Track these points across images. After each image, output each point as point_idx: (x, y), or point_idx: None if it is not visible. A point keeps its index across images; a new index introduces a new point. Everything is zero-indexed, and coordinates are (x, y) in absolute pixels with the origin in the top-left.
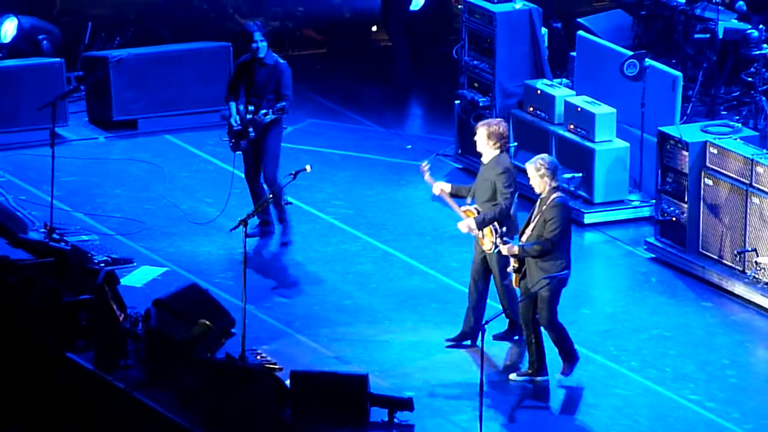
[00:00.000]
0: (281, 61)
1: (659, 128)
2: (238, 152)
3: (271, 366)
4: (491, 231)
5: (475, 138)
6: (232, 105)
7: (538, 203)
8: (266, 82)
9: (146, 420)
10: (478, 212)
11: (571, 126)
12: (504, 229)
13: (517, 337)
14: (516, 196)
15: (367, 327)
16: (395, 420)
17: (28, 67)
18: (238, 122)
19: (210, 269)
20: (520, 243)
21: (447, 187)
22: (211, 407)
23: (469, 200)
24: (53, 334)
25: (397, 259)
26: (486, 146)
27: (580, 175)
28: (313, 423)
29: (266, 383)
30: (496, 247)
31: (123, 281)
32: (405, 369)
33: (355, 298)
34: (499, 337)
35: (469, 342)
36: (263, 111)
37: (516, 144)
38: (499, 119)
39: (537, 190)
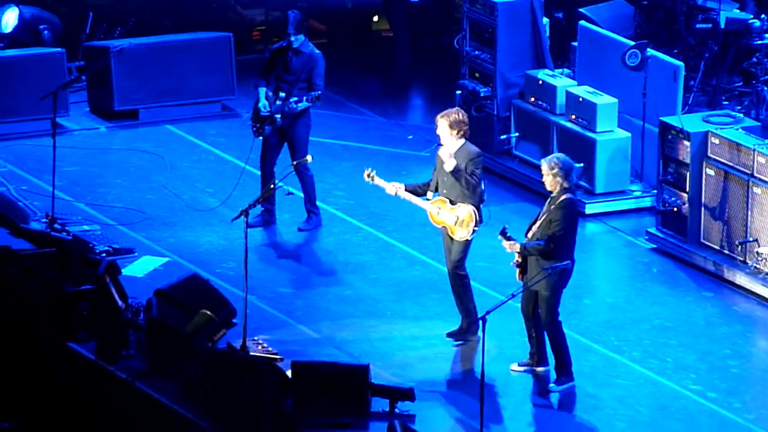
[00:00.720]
0: (317, 51)
1: (661, 118)
2: (258, 138)
3: (273, 356)
4: (471, 216)
5: (437, 131)
6: (261, 90)
7: (547, 202)
8: (300, 70)
9: (148, 410)
10: (451, 201)
11: (573, 116)
12: (480, 216)
13: (474, 337)
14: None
15: (369, 317)
16: (396, 410)
17: (29, 57)
18: (267, 108)
19: (211, 259)
20: (524, 241)
21: (401, 186)
22: (212, 397)
23: (430, 195)
24: (54, 325)
25: (399, 249)
26: (449, 136)
27: (582, 165)
28: (314, 413)
29: (267, 373)
30: (473, 232)
31: (124, 271)
32: (406, 359)
33: (357, 289)
34: (452, 335)
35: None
36: (294, 98)
37: (517, 134)
38: (456, 108)
39: (548, 188)
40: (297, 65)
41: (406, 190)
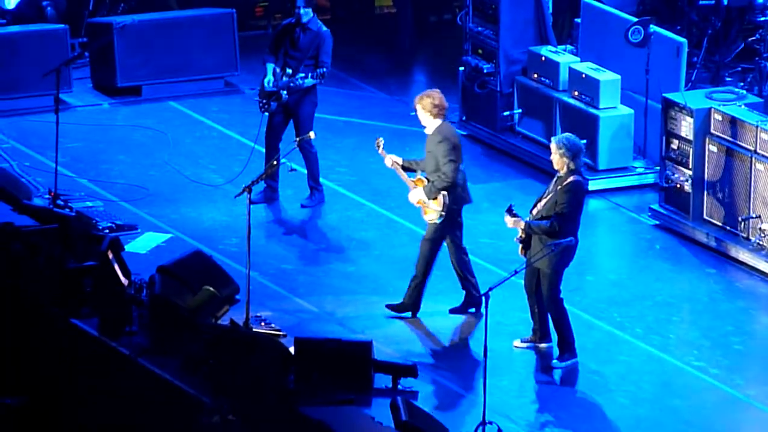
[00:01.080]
0: (324, 28)
1: (664, 95)
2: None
3: (275, 333)
4: (440, 200)
5: (417, 114)
6: (269, 66)
7: (554, 181)
8: (307, 47)
9: (151, 386)
10: (428, 180)
11: (576, 93)
12: (449, 197)
13: (473, 310)
14: (460, 165)
15: (372, 294)
16: (399, 386)
17: (33, 34)
18: (272, 84)
19: (214, 236)
20: (527, 219)
21: (399, 160)
22: (215, 374)
23: (419, 173)
24: (58, 301)
25: (401, 226)
26: (426, 118)
27: (585, 141)
28: (316, 389)
29: (270, 350)
30: (440, 216)
31: (127, 248)
32: (409, 336)
33: (359, 265)
34: (391, 307)
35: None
36: (301, 74)
37: (520, 111)
38: (434, 89)
39: (555, 167)
40: (305, 42)
41: (402, 165)
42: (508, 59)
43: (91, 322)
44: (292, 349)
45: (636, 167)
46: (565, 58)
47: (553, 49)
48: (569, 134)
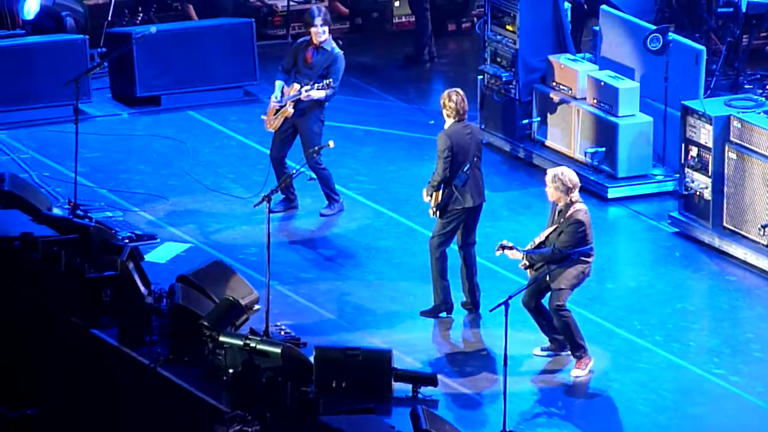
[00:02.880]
0: (338, 51)
1: (683, 102)
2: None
3: (295, 341)
4: (436, 197)
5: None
6: (279, 84)
7: (555, 212)
8: (319, 65)
9: (170, 396)
10: None
11: (594, 100)
12: (442, 196)
13: (444, 315)
14: (465, 167)
15: (391, 302)
16: (419, 395)
17: (52, 44)
18: (279, 99)
19: (234, 245)
20: (525, 249)
21: None
22: (234, 383)
23: None
24: (77, 311)
25: (421, 234)
26: (444, 115)
27: (604, 149)
28: (336, 398)
29: (290, 359)
30: (433, 211)
31: (147, 257)
32: (429, 344)
33: (379, 274)
34: (425, 313)
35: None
36: (306, 87)
37: (539, 119)
38: (455, 89)
39: (550, 198)
40: (317, 61)
41: None
42: (526, 67)
43: (110, 331)
44: (312, 358)
45: (655, 175)
46: (583, 66)
47: (572, 57)
48: (565, 169)
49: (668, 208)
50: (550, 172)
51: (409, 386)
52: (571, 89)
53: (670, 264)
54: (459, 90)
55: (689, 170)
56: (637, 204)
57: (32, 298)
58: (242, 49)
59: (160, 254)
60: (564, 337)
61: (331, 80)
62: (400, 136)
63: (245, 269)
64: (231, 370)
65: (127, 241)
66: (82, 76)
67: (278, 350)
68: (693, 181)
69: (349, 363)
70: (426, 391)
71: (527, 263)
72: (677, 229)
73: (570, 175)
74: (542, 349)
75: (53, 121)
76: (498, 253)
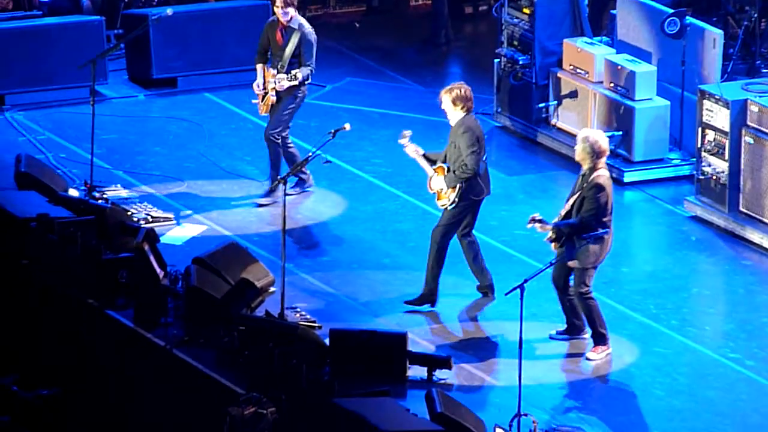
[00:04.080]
0: (306, 28)
1: (700, 86)
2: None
3: (310, 324)
4: (454, 188)
5: (442, 106)
6: (259, 68)
7: (579, 179)
8: (288, 45)
9: (185, 377)
10: (449, 170)
11: (611, 84)
12: (465, 185)
13: (428, 306)
14: (483, 156)
15: (406, 285)
16: (434, 378)
17: (68, 25)
18: (260, 86)
19: (249, 227)
20: (554, 222)
21: (420, 150)
22: (250, 365)
23: (440, 162)
24: (93, 292)
25: (436, 217)
26: (452, 110)
27: (620, 133)
28: (352, 381)
29: (305, 341)
30: (452, 203)
31: (163, 239)
32: (444, 327)
33: (395, 257)
34: (410, 302)
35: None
36: (280, 76)
37: (555, 102)
38: (460, 82)
39: (576, 158)
40: (286, 40)
41: (424, 155)
42: (543, 51)
43: (126, 313)
44: (327, 341)
45: (672, 159)
46: (600, 49)
47: (589, 40)
48: (599, 133)
49: (684, 192)
50: (584, 131)
51: (424, 369)
52: (588, 73)
53: (686, 248)
54: (462, 83)
55: (706, 154)
56: (654, 188)
57: (48, 279)
58: (258, 31)
59: (176, 236)
60: (588, 323)
61: (296, 71)
62: (417, 119)
63: (260, 251)
64: (246, 352)
65: (142, 222)
66: (99, 57)
67: (293, 333)
68: (709, 166)
69: (364, 346)
70: (441, 373)
71: (553, 236)
72: (693, 214)
73: (601, 140)
74: (558, 333)
75: (70, 102)
76: (529, 226)
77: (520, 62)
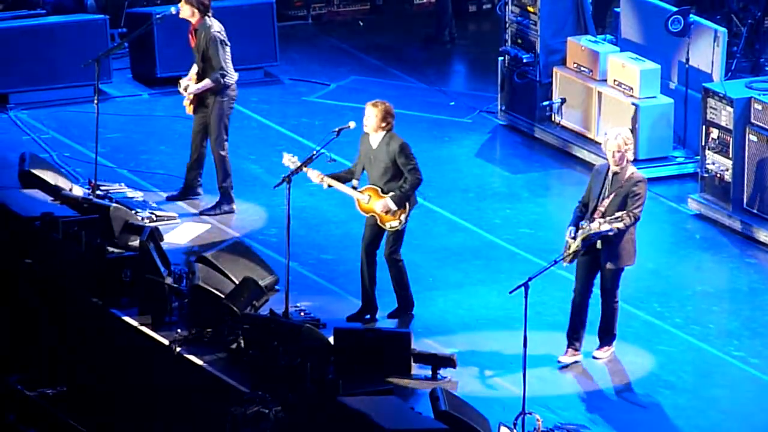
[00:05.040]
0: (214, 31)
1: (703, 84)
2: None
3: (315, 323)
4: (404, 209)
5: (366, 118)
6: (192, 68)
7: (610, 178)
8: (200, 49)
9: (190, 376)
10: (382, 190)
11: (615, 82)
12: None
13: (368, 316)
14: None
15: (411, 284)
16: (438, 377)
17: (72, 24)
18: (181, 85)
19: (254, 226)
20: (591, 231)
21: (322, 175)
22: (254, 363)
23: (355, 182)
24: (97, 291)
25: (441, 215)
26: (379, 125)
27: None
28: (356, 379)
29: (310, 340)
30: (404, 223)
31: (167, 238)
32: (448, 326)
33: None
34: (351, 318)
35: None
36: (188, 85)
37: (560, 100)
38: (381, 101)
39: (616, 162)
40: (197, 44)
41: (330, 176)
42: (547, 49)
43: (130, 312)
44: (331, 339)
45: (675, 157)
46: (604, 47)
47: (593, 38)
48: (622, 129)
49: (688, 190)
50: (617, 129)
51: (429, 367)
52: (591, 71)
53: (690, 246)
54: (384, 101)
55: (710, 152)
56: (658, 186)
57: (52, 278)
58: (263, 30)
59: (180, 235)
60: (603, 321)
61: (211, 78)
62: (420, 117)
63: (265, 250)
64: (250, 351)
65: (146, 221)
66: (103, 56)
67: (298, 331)
68: (713, 164)
69: (368, 344)
70: (445, 372)
71: (576, 250)
72: (697, 212)
73: (631, 138)
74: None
75: (74, 101)
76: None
77: (524, 60)
